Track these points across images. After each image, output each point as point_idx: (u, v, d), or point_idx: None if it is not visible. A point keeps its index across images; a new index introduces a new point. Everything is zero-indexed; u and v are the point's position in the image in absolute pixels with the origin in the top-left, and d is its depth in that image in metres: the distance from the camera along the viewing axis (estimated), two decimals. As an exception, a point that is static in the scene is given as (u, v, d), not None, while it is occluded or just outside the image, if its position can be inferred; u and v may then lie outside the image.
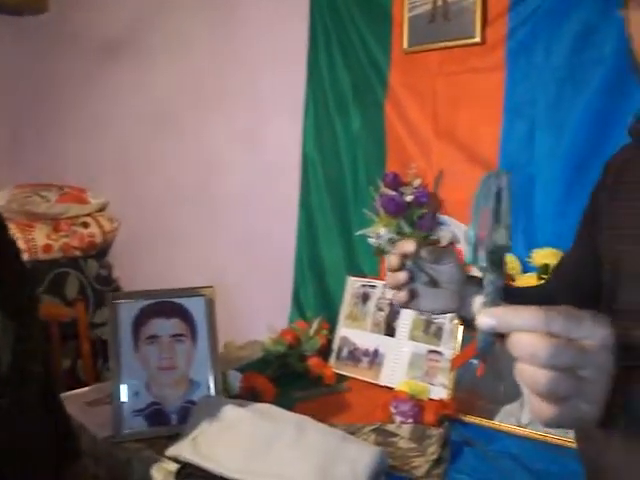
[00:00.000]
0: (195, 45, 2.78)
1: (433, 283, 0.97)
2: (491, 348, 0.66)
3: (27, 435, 1.32)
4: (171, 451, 1.46)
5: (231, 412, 1.48)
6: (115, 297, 1.70)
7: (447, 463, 1.46)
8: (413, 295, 0.98)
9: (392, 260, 0.96)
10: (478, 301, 0.86)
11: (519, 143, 1.87)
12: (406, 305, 0.99)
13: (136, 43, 3.02)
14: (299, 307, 2.37)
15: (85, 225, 3.10)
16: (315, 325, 2.15)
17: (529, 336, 0.56)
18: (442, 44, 1.99)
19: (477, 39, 1.92)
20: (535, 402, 0.58)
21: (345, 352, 2.09)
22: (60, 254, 2.97)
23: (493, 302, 0.72)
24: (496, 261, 0.72)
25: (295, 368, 2.05)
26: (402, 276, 0.96)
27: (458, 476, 1.42)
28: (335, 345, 2.12)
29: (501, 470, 1.44)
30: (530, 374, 0.56)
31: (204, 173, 2.80)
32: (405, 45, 2.06)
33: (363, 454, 1.30)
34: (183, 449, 1.42)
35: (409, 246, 0.94)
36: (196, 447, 1.40)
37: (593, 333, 0.56)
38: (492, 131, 1.91)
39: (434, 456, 1.47)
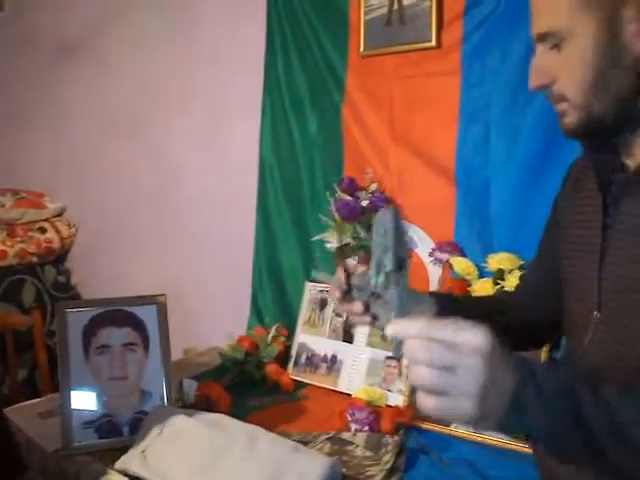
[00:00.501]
0: (152, 47, 2.74)
1: None
2: (400, 351, 0.75)
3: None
4: (120, 464, 1.43)
5: (181, 423, 1.45)
6: (65, 306, 1.66)
7: (402, 472, 1.45)
8: (374, 317, 1.01)
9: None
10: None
11: (474, 147, 1.86)
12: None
13: (93, 44, 2.98)
14: (258, 313, 2.34)
15: (42, 230, 3.04)
16: (273, 331, 2.13)
17: (416, 341, 0.71)
18: (398, 48, 1.98)
19: (432, 43, 1.91)
20: (420, 396, 0.72)
21: (303, 358, 2.07)
22: (16, 260, 2.91)
23: (401, 313, 0.87)
24: (394, 279, 0.90)
25: (253, 375, 2.03)
26: (357, 308, 1.01)
27: (413, 485, 1.41)
28: (293, 351, 2.10)
29: (456, 477, 1.43)
30: (415, 372, 0.71)
31: (162, 176, 2.76)
32: (362, 49, 2.05)
33: (314, 464, 1.28)
34: (132, 462, 1.39)
35: (357, 308, 1.01)
36: (145, 460, 1.37)
37: (468, 340, 0.69)
38: (448, 135, 1.90)
39: (389, 465, 1.46)
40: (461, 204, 1.89)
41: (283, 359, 2.09)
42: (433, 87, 1.93)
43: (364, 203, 1.91)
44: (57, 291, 3.03)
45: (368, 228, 1.95)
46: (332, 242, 2.01)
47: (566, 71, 0.89)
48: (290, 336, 2.16)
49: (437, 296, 1.16)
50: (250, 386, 1.98)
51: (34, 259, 2.98)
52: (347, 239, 1.99)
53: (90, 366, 1.63)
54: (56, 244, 3.06)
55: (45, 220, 3.10)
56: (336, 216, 1.97)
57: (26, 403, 1.92)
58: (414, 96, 1.97)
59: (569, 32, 0.87)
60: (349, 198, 1.94)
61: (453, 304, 1.19)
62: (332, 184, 2.06)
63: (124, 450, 1.52)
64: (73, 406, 1.60)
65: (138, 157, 2.85)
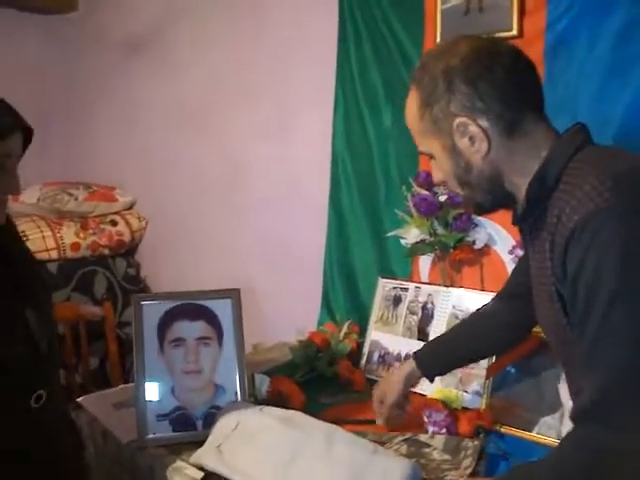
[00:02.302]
0: (221, 42, 2.74)
1: None
2: None
3: (65, 417, 1.39)
4: (195, 458, 1.43)
5: (257, 419, 1.44)
6: (140, 298, 1.67)
7: (483, 477, 1.40)
8: None
9: None
10: None
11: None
12: None
13: (162, 41, 3.00)
14: (329, 310, 2.31)
15: (113, 223, 3.08)
16: (345, 328, 2.10)
17: None
18: (480, 38, 1.91)
19: (514, 32, 1.83)
20: None
21: (376, 356, 2.03)
22: (88, 252, 2.96)
23: None
24: None
25: (324, 372, 1.99)
26: None
27: (494, 491, 1.35)
28: (365, 349, 2.06)
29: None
30: None
31: (231, 172, 2.76)
32: (438, 39, 1.99)
33: (395, 467, 1.24)
34: (207, 457, 1.38)
35: None
36: (221, 456, 1.36)
37: None
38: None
39: (469, 470, 1.41)
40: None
41: (355, 356, 2.05)
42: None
43: (442, 198, 1.86)
44: (127, 283, 3.07)
45: (445, 224, 1.89)
46: (407, 238, 1.96)
47: (444, 176, 1.17)
48: (362, 333, 2.12)
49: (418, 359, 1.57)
50: (321, 383, 1.95)
51: (106, 251, 3.02)
52: (423, 235, 1.94)
53: (164, 359, 1.64)
54: (127, 237, 3.10)
55: (116, 213, 3.15)
56: (413, 211, 1.92)
57: (100, 393, 1.95)
58: (495, 87, 1.90)
59: (430, 153, 1.15)
60: (426, 193, 1.88)
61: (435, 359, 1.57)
62: (408, 178, 2.00)
63: (197, 444, 1.52)
64: (147, 398, 1.60)
65: (206, 151, 2.86)
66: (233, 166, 2.73)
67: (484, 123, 1.07)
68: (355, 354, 2.06)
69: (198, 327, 1.66)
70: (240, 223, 2.73)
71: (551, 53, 1.79)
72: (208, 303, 1.68)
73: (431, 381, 1.61)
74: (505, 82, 1.06)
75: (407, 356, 1.94)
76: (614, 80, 1.69)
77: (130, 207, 3.23)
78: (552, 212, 1.02)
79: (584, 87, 1.75)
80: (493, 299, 1.56)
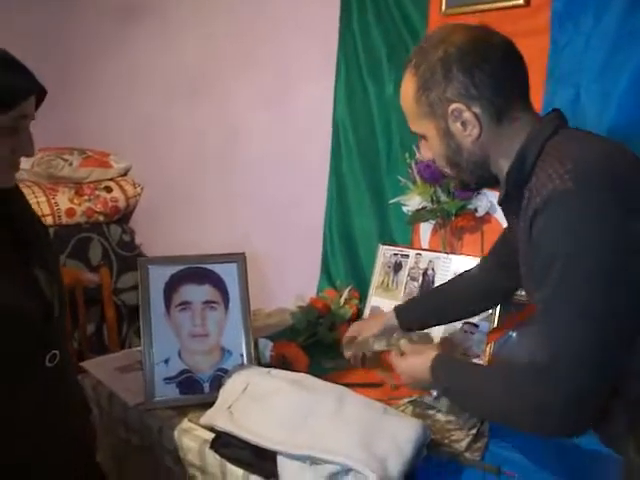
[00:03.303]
0: (222, 8, 2.71)
1: None
2: None
3: (75, 383, 1.40)
4: (205, 419, 1.44)
5: (267, 382, 1.45)
6: (147, 261, 1.67)
7: (487, 437, 1.43)
8: None
9: None
10: None
11: (562, 110, 1.79)
12: None
13: (160, 6, 2.96)
14: (328, 276, 2.32)
15: (108, 189, 3.07)
16: (346, 294, 2.12)
17: None
18: (482, 6, 1.91)
19: (520, 1, 1.83)
20: None
21: (372, 316, 2.05)
22: (83, 219, 2.95)
23: None
24: None
25: (325, 337, 2.02)
26: None
27: (498, 450, 1.39)
28: (366, 315, 2.09)
29: (545, 446, 1.40)
30: None
31: (230, 139, 2.75)
32: (443, 7, 1.98)
33: (406, 427, 1.27)
34: (218, 418, 1.39)
35: None
36: (232, 417, 1.37)
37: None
38: (534, 98, 1.81)
39: (474, 430, 1.44)
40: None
41: (355, 322, 2.07)
42: (519, 48, 1.86)
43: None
44: (122, 250, 3.06)
45: (448, 192, 1.91)
46: (409, 205, 1.98)
47: (434, 156, 1.25)
48: (362, 299, 2.14)
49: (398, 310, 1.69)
50: (322, 348, 1.98)
51: (100, 218, 3.02)
52: (424, 203, 1.95)
53: (171, 322, 1.64)
54: (121, 203, 3.09)
55: (111, 179, 3.14)
56: (417, 178, 1.93)
57: (103, 357, 1.96)
58: (499, 56, 1.91)
59: (423, 134, 1.22)
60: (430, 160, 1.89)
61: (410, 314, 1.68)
62: (409, 146, 2.01)
63: (204, 406, 1.53)
64: (154, 361, 1.61)
65: (203, 118, 2.84)
66: (232, 133, 2.72)
67: (477, 109, 1.13)
68: (355, 319, 2.08)
69: (204, 291, 1.67)
70: (239, 190, 2.73)
71: (557, 23, 1.79)
72: (214, 267, 1.69)
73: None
74: (498, 71, 1.12)
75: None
76: (619, 52, 1.70)
77: (125, 173, 3.22)
78: (530, 191, 1.09)
79: (589, 58, 1.75)
80: (477, 264, 1.66)
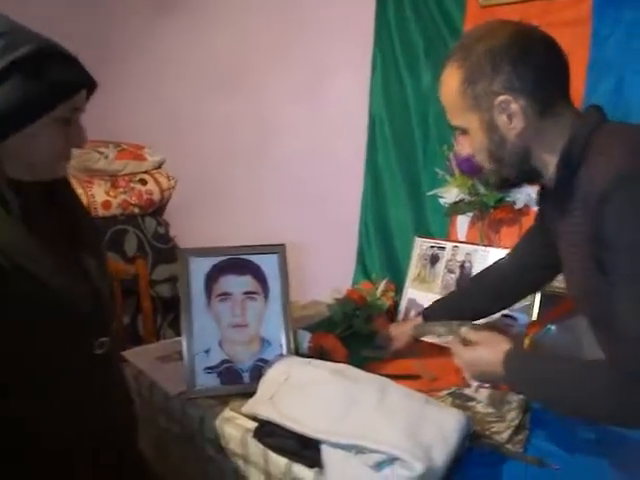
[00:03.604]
0: (254, 1, 2.71)
1: None
2: None
3: (120, 372, 1.42)
4: (247, 408, 1.45)
5: (309, 372, 1.46)
6: (188, 252, 1.69)
7: (528, 430, 1.43)
8: None
9: None
10: None
11: (604, 100, 1.77)
12: None
13: (192, 0, 2.97)
14: (364, 268, 2.34)
15: (143, 182, 3.10)
16: (382, 286, 2.12)
17: None
18: (521, -3, 1.90)
19: (562, -9, 1.83)
20: None
21: (412, 314, 2.06)
22: (119, 211, 2.98)
23: None
24: None
25: (361, 329, 2.02)
26: None
27: (540, 443, 1.38)
28: (402, 307, 2.09)
29: (586, 439, 1.40)
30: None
31: (263, 131, 2.76)
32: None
33: (449, 418, 1.27)
34: (261, 407, 1.40)
35: None
36: (275, 406, 1.38)
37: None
38: (575, 88, 1.80)
39: (515, 422, 1.44)
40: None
41: (391, 314, 2.08)
42: (560, 38, 1.80)
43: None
44: (157, 242, 3.09)
45: (486, 184, 1.90)
46: (447, 197, 1.98)
47: (474, 151, 1.25)
48: (397, 291, 2.14)
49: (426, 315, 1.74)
50: (359, 339, 1.97)
51: (135, 210, 3.04)
52: (462, 195, 1.95)
53: (212, 313, 1.66)
54: (156, 196, 3.12)
55: (145, 172, 3.16)
56: (455, 171, 1.93)
57: (143, 347, 1.99)
58: (538, 47, 1.89)
59: (465, 127, 1.22)
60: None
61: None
62: (447, 138, 2.01)
63: (244, 396, 1.55)
64: (195, 351, 1.63)
65: (237, 111, 2.85)
66: (266, 125, 2.73)
67: (522, 102, 1.14)
68: (391, 312, 2.09)
69: (245, 281, 1.69)
70: (272, 182, 2.74)
71: (598, 13, 1.79)
72: (254, 258, 1.71)
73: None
74: (541, 65, 1.14)
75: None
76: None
77: (159, 166, 3.24)
78: (583, 182, 1.10)
79: (631, 48, 1.74)
80: (504, 258, 1.68)
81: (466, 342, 1.38)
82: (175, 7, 3.04)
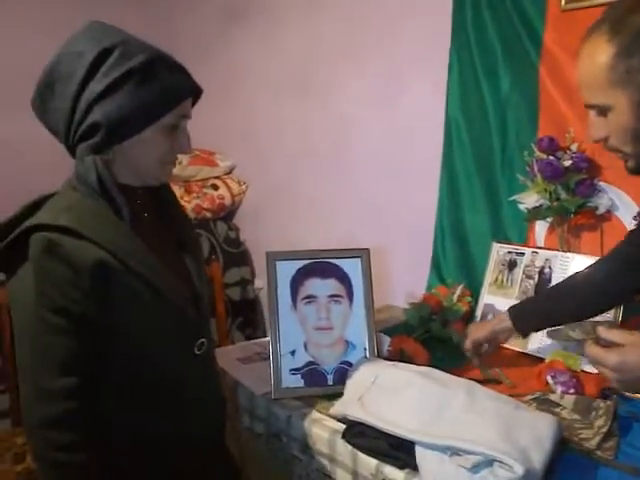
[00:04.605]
0: (327, 5, 2.73)
1: None
2: None
3: (217, 373, 1.46)
4: (336, 410, 1.48)
5: (396, 374, 1.48)
6: (274, 256, 1.72)
7: (617, 437, 1.42)
8: None
9: None
10: None
11: None
12: None
13: (263, 3, 3.02)
14: (438, 273, 2.33)
15: (215, 187, 3.17)
16: (458, 291, 2.12)
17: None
18: (605, 0, 1.88)
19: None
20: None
21: (490, 319, 2.05)
22: (192, 215, 3.04)
23: None
24: None
25: (438, 334, 2.02)
26: None
27: (631, 450, 1.37)
28: (479, 312, 2.09)
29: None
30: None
31: (336, 136, 2.78)
32: (563, 2, 1.96)
33: (543, 422, 1.28)
34: (350, 408, 1.43)
35: None
36: (364, 407, 1.40)
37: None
38: (658, 92, 1.79)
39: (604, 429, 1.42)
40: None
41: (467, 320, 2.08)
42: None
43: (566, 163, 1.86)
44: (228, 246, 3.16)
45: (568, 188, 1.89)
46: (526, 203, 1.97)
47: (613, 132, 1.18)
48: (473, 297, 2.14)
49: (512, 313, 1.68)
50: (436, 344, 1.98)
51: (208, 215, 3.11)
52: (542, 200, 1.94)
53: (297, 315, 1.70)
54: (227, 200, 3.18)
55: (217, 177, 3.23)
56: (537, 176, 1.92)
57: (223, 349, 2.03)
58: (620, 52, 1.87)
59: (608, 106, 1.15)
60: (551, 158, 1.89)
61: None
62: (525, 144, 2.01)
63: (329, 397, 1.59)
64: (282, 352, 1.66)
65: (309, 116, 2.89)
66: (340, 129, 2.76)
67: None
68: (468, 317, 2.09)
69: (329, 285, 1.72)
70: (346, 187, 2.76)
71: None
72: (339, 262, 1.74)
73: (523, 336, 1.73)
74: None
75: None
76: None
77: (230, 172, 3.31)
78: None
79: None
80: (593, 265, 1.64)
81: (602, 344, 1.20)
82: (246, 13, 3.10)
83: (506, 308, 1.93)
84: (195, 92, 1.25)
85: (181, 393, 1.28)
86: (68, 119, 1.15)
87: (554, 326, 1.60)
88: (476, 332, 1.74)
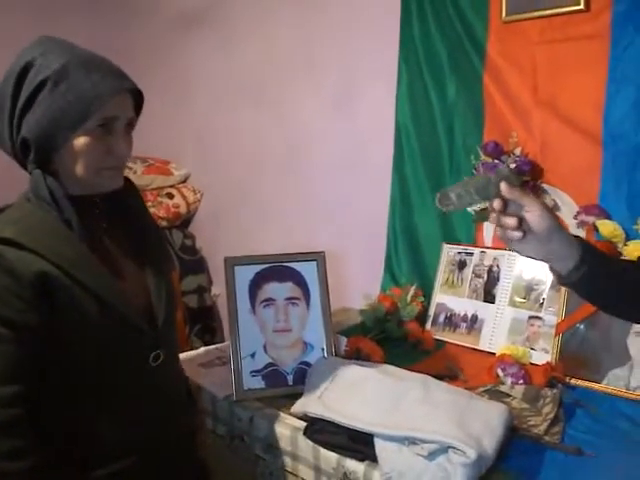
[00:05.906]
0: (281, 13, 2.77)
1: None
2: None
3: (179, 381, 1.46)
4: (297, 408, 1.53)
5: (354, 371, 1.55)
6: (232, 261, 1.76)
7: (563, 422, 1.50)
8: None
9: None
10: None
11: (624, 112, 1.85)
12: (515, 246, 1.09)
13: (218, 12, 3.04)
14: (392, 275, 2.40)
15: (170, 196, 3.19)
16: (411, 291, 2.19)
17: None
18: (543, 12, 1.97)
19: (581, 6, 1.88)
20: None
21: (442, 318, 2.13)
22: (147, 224, 3.05)
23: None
24: None
25: (393, 333, 2.09)
26: (512, 221, 1.04)
27: (576, 434, 1.46)
28: (431, 311, 2.17)
29: (617, 429, 1.48)
30: None
31: (289, 143, 2.83)
32: (504, 14, 2.05)
33: (494, 411, 1.35)
34: (310, 406, 1.48)
35: (511, 221, 1.04)
36: (325, 404, 1.46)
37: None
38: (595, 100, 1.89)
39: (551, 415, 1.51)
40: (608, 169, 1.88)
41: (421, 319, 2.16)
42: (580, 51, 1.92)
43: (510, 166, 1.95)
44: (184, 254, 3.18)
45: (513, 191, 1.98)
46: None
47: None
48: (425, 296, 2.22)
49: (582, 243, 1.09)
50: (391, 344, 2.04)
51: (163, 223, 3.12)
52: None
53: (256, 318, 1.74)
54: (183, 209, 3.21)
55: (172, 186, 3.25)
56: (483, 179, 2.00)
57: (184, 354, 2.05)
58: (559, 61, 1.96)
59: None
60: (496, 161, 1.97)
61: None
62: (472, 148, 2.09)
63: (289, 397, 1.63)
64: (242, 355, 1.70)
65: (264, 125, 2.93)
66: (290, 138, 2.81)
67: None
68: (421, 316, 2.16)
69: (287, 288, 1.77)
70: (300, 193, 2.81)
71: (618, 26, 1.84)
72: (295, 265, 1.79)
73: (563, 283, 1.13)
74: None
75: (474, 316, 2.05)
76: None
77: (184, 180, 3.33)
78: None
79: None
80: None
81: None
82: (202, 22, 3.12)
83: (457, 306, 2.03)
84: (119, 92, 1.18)
85: (139, 404, 1.28)
86: (9, 138, 1.16)
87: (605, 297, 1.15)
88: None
